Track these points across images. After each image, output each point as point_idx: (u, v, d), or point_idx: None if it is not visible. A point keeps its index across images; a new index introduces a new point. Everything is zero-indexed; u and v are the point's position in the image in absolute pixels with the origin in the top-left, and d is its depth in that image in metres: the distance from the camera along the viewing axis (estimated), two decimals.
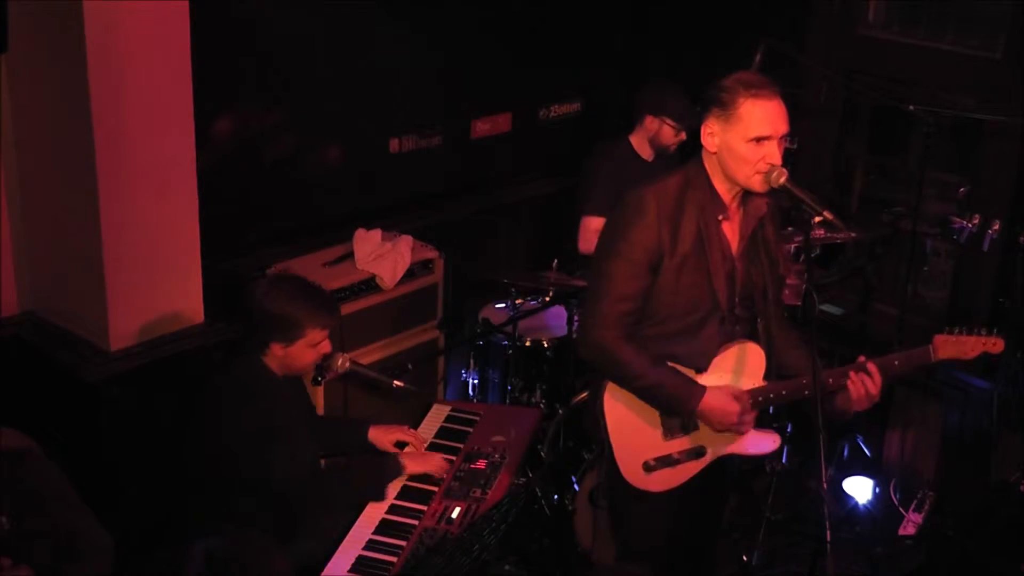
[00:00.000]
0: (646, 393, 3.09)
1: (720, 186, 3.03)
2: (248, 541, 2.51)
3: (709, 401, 3.05)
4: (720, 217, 3.05)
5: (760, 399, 3.14)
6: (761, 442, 3.23)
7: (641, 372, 3.04)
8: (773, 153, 2.91)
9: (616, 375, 3.10)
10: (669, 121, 4.50)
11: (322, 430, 3.59)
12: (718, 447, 3.19)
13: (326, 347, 3.28)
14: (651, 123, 4.56)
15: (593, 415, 3.21)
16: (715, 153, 2.99)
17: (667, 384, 3.06)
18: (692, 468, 3.19)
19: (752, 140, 2.91)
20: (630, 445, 3.16)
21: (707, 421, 3.10)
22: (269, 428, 3.12)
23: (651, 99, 4.55)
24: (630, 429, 3.15)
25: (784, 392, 3.12)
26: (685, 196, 3.02)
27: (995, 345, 3.05)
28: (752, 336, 3.16)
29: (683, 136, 4.53)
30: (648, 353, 3.06)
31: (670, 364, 3.09)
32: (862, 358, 3.06)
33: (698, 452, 3.18)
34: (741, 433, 3.15)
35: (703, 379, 3.12)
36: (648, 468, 3.16)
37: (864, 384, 3.02)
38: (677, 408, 3.09)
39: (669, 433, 3.15)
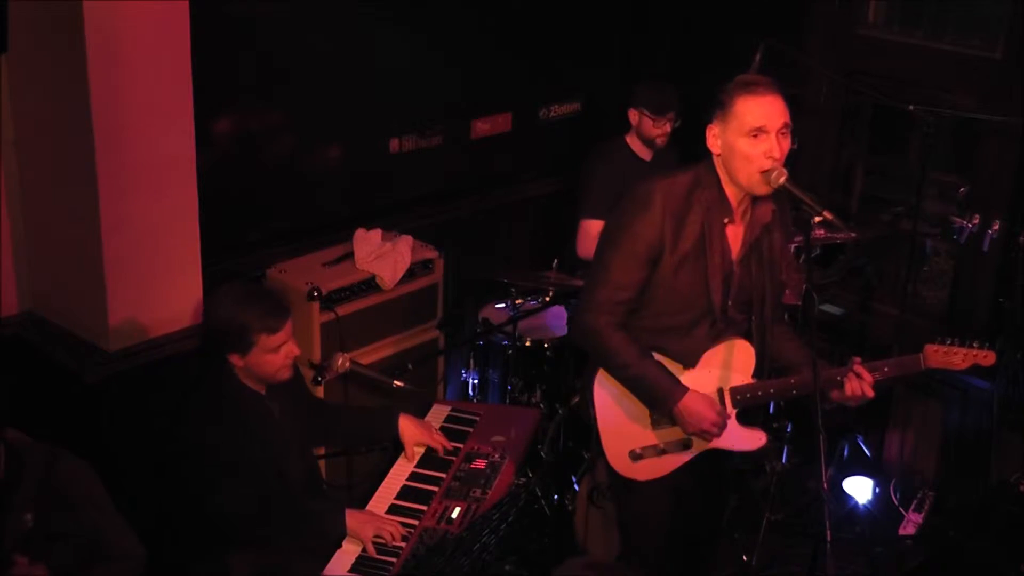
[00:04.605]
0: (630, 383, 3.14)
1: (729, 189, 3.04)
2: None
3: (688, 403, 3.08)
4: (725, 220, 3.06)
5: (748, 396, 3.17)
6: (748, 439, 3.25)
7: (627, 361, 3.09)
8: (772, 147, 2.91)
9: (604, 361, 3.16)
10: (645, 112, 4.50)
11: (345, 420, 3.54)
12: (704, 440, 3.21)
13: (292, 349, 3.13)
14: (633, 116, 4.56)
15: (584, 404, 3.25)
16: (719, 155, 3.01)
17: (651, 377, 3.09)
18: (678, 459, 3.23)
19: (749, 134, 2.92)
20: (618, 433, 3.20)
21: (682, 422, 3.12)
22: (220, 462, 3.00)
23: (631, 94, 4.56)
24: (618, 417, 3.19)
25: (772, 391, 3.18)
26: (693, 195, 3.03)
27: (986, 358, 3.05)
28: (745, 335, 3.18)
29: (667, 128, 4.50)
30: (637, 343, 3.09)
31: (657, 356, 3.12)
32: (857, 360, 3.10)
33: (685, 444, 3.21)
34: (707, 441, 3.18)
35: (690, 374, 3.15)
36: (634, 456, 3.20)
37: (861, 386, 3.06)
38: (657, 403, 3.13)
39: (657, 423, 3.18)
